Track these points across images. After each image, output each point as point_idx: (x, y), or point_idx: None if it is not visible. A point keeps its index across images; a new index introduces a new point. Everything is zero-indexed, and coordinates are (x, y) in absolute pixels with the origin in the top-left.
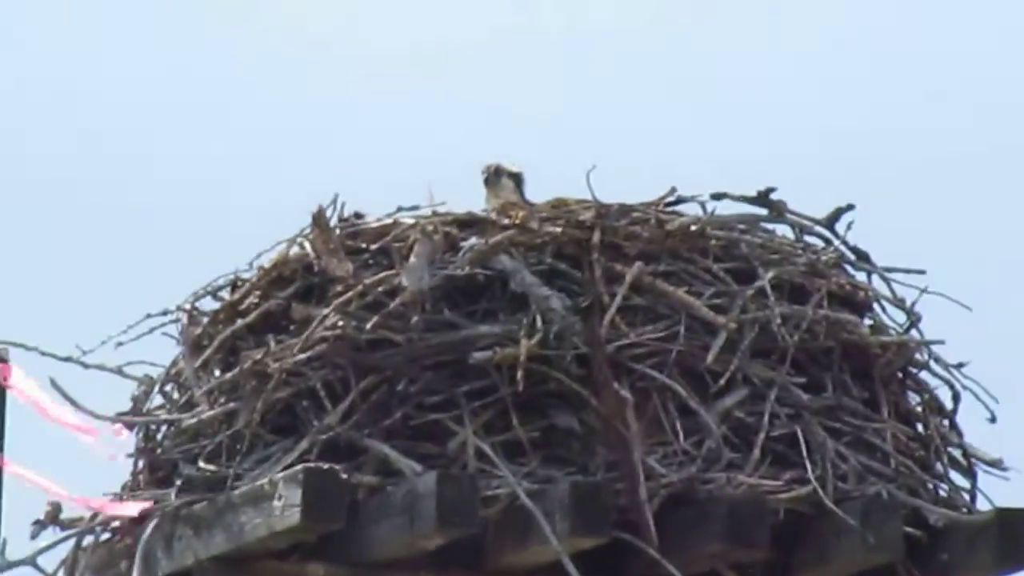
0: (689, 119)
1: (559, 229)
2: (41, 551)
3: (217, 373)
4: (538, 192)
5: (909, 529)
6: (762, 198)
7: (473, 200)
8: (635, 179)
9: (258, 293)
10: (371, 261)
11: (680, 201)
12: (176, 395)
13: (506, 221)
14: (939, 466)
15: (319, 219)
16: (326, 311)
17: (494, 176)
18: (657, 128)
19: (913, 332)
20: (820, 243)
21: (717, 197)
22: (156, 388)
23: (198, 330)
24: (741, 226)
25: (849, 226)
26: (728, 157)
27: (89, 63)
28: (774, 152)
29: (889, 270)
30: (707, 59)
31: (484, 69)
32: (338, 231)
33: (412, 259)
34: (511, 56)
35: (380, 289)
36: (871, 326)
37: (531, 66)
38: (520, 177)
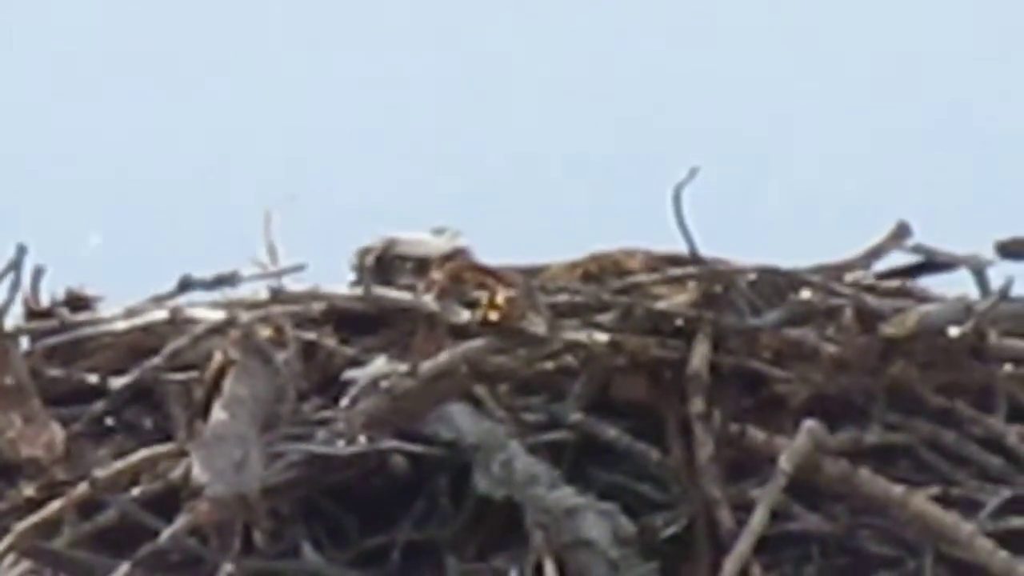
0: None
1: (605, 338)
2: None
3: None
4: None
5: None
6: None
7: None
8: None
9: None
10: (112, 420)
11: (928, 267)
12: None
13: (465, 314)
14: None
15: None
16: None
17: (372, 273)
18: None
19: None
20: None
21: (1009, 252)
22: None
23: None
24: None
25: None
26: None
27: None
28: None
29: None
30: None
31: None
32: (25, 343)
33: (218, 418)
34: None
35: (133, 494)
36: None
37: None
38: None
